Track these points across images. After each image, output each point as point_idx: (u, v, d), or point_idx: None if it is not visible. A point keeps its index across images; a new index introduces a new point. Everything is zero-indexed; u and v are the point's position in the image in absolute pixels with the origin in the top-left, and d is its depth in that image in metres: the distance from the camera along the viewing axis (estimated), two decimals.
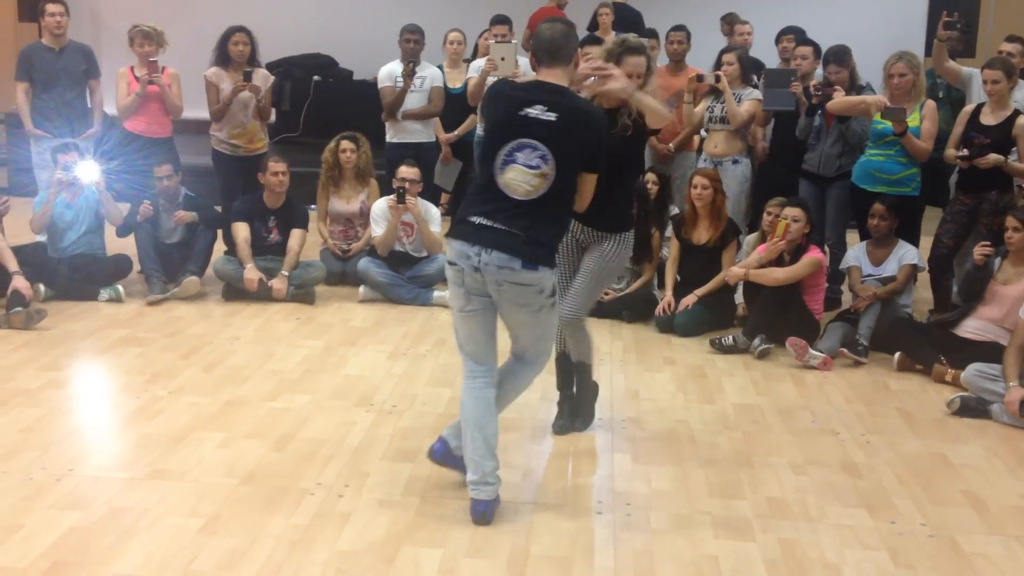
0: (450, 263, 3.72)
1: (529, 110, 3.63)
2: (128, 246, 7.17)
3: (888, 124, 6.34)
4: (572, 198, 3.78)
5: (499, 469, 3.78)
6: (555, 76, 3.74)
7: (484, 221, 3.63)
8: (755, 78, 7.52)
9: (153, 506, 3.80)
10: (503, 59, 7.42)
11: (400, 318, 6.58)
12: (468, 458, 3.76)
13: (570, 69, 3.78)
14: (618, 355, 5.96)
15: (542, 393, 5.18)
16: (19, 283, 6.18)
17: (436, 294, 6.95)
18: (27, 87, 7.65)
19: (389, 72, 7.94)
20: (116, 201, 7.15)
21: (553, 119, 3.61)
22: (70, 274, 6.76)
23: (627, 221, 4.40)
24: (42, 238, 7.04)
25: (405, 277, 7.03)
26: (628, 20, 8.99)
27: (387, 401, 5.02)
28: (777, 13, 9.26)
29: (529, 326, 3.82)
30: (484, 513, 3.73)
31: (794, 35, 7.76)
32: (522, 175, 3.60)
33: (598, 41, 8.09)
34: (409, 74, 7.78)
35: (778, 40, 7.98)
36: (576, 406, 4.74)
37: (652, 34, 8.23)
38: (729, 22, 9.27)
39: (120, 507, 3.79)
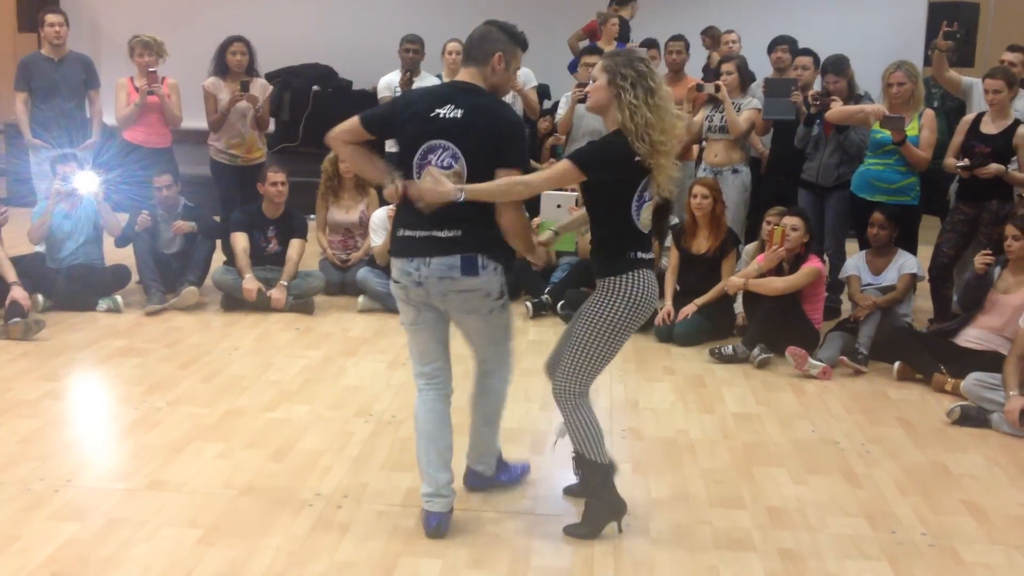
0: (393, 280, 3.68)
1: (440, 110, 3.54)
2: (127, 256, 7.17)
3: (887, 133, 6.35)
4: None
5: (453, 482, 3.75)
6: (469, 75, 3.64)
7: (416, 232, 3.56)
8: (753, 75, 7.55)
9: (151, 517, 3.79)
10: None
11: (399, 328, 6.49)
12: (422, 470, 3.72)
13: (486, 70, 3.62)
14: (618, 364, 5.94)
15: (541, 403, 5.18)
16: (17, 293, 6.17)
17: None
18: (26, 97, 7.66)
19: (388, 82, 7.95)
20: (115, 211, 7.15)
21: (459, 116, 3.52)
22: (68, 284, 6.75)
23: (612, 263, 3.60)
24: (40, 248, 7.04)
25: None
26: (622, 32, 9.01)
27: (386, 411, 5.00)
28: (774, 23, 9.25)
29: (483, 331, 3.78)
30: (439, 526, 3.69)
31: (788, 45, 7.76)
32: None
33: (599, 51, 8.16)
34: (407, 84, 7.79)
35: (771, 50, 7.98)
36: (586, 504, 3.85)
37: (652, 44, 8.24)
38: (711, 35, 9.28)
39: (118, 518, 3.78)
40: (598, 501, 3.75)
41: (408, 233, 3.58)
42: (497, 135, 3.53)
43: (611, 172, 3.51)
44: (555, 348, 3.90)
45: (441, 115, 3.53)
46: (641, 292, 3.56)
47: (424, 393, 3.77)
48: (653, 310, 3.74)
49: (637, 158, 3.45)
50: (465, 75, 3.66)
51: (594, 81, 3.57)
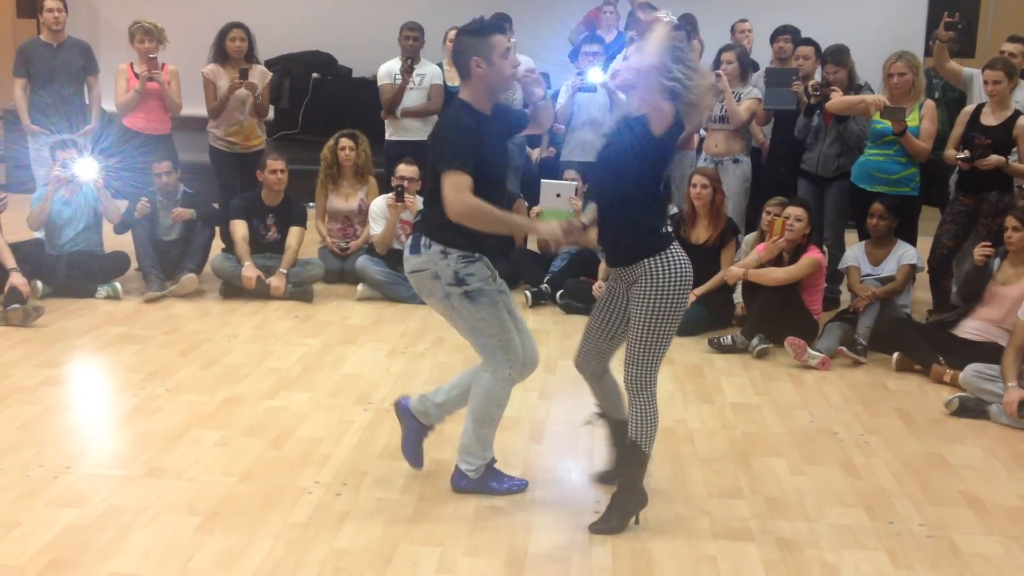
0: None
1: None
2: (126, 243, 7.16)
3: (887, 124, 6.34)
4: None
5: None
6: (464, 89, 3.75)
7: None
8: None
9: (150, 504, 3.79)
10: None
11: (398, 316, 6.57)
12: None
13: (474, 80, 3.68)
14: (617, 354, 5.93)
15: (540, 391, 5.18)
16: (16, 280, 6.17)
17: None
18: (25, 83, 7.64)
19: (388, 70, 7.93)
20: (114, 198, 7.14)
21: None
22: (68, 271, 6.75)
23: (643, 244, 3.65)
24: (40, 235, 7.03)
25: (404, 275, 7.00)
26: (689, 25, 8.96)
27: (385, 399, 5.00)
28: (775, 12, 9.22)
29: (453, 320, 3.83)
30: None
31: (790, 35, 7.75)
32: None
33: (599, 40, 8.14)
34: (407, 71, 7.78)
35: (774, 39, 7.96)
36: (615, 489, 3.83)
37: None
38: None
39: (117, 504, 3.78)
40: (631, 493, 3.73)
41: None
42: (433, 140, 3.77)
43: None
44: (584, 344, 3.96)
45: None
46: (673, 268, 3.64)
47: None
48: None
49: None
50: (462, 91, 3.75)
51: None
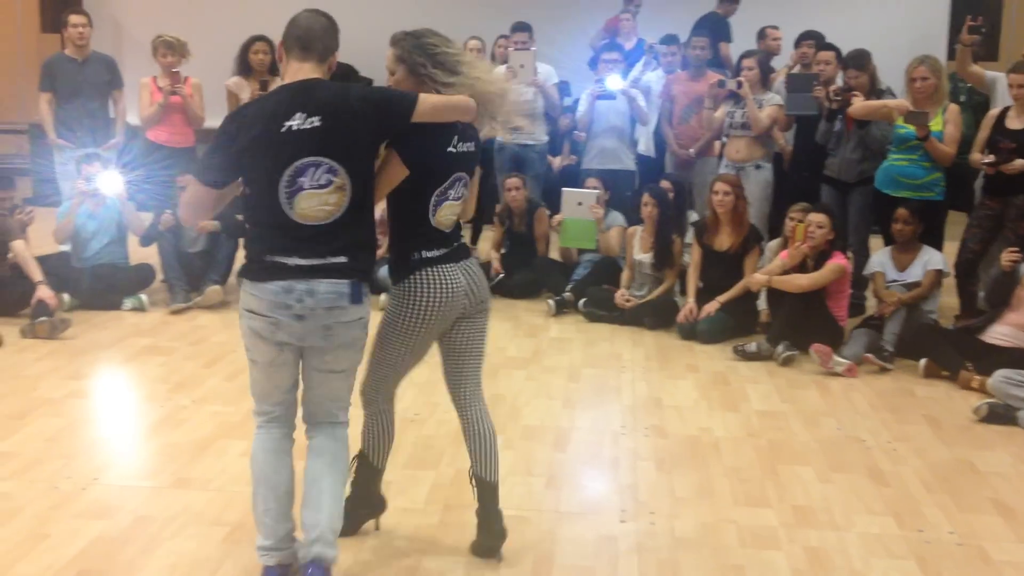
0: (255, 314, 3.06)
1: (289, 123, 2.99)
2: (151, 255, 7.21)
3: (911, 128, 6.30)
4: (372, 197, 3.18)
5: (295, 531, 3.28)
6: (304, 72, 3.10)
7: (299, 261, 3.02)
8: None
9: (178, 515, 3.81)
10: (522, 66, 7.48)
11: None
12: (258, 520, 3.25)
13: (323, 69, 3.15)
14: (640, 362, 5.94)
15: (564, 400, 5.18)
16: (44, 293, 6.22)
17: None
18: (50, 98, 7.71)
19: None
20: (138, 211, 7.19)
21: (317, 124, 2.99)
22: (94, 283, 6.80)
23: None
24: (66, 248, 7.09)
25: None
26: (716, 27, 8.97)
27: (409, 409, 5.00)
28: (797, 17, 9.19)
29: (350, 371, 3.27)
30: None
31: (813, 40, 7.72)
32: (316, 199, 3.00)
33: (619, 47, 8.14)
34: None
35: (797, 45, 7.95)
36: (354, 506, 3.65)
37: (672, 40, 8.21)
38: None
39: (145, 516, 3.80)
40: (361, 500, 3.65)
41: (291, 262, 3.02)
42: (375, 121, 3.12)
43: None
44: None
45: (294, 128, 3.02)
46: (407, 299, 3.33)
47: (265, 431, 3.27)
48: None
49: None
50: (297, 72, 3.16)
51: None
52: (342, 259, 3.04)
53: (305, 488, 3.24)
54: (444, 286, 3.31)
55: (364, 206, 3.11)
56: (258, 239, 3.08)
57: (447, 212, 3.34)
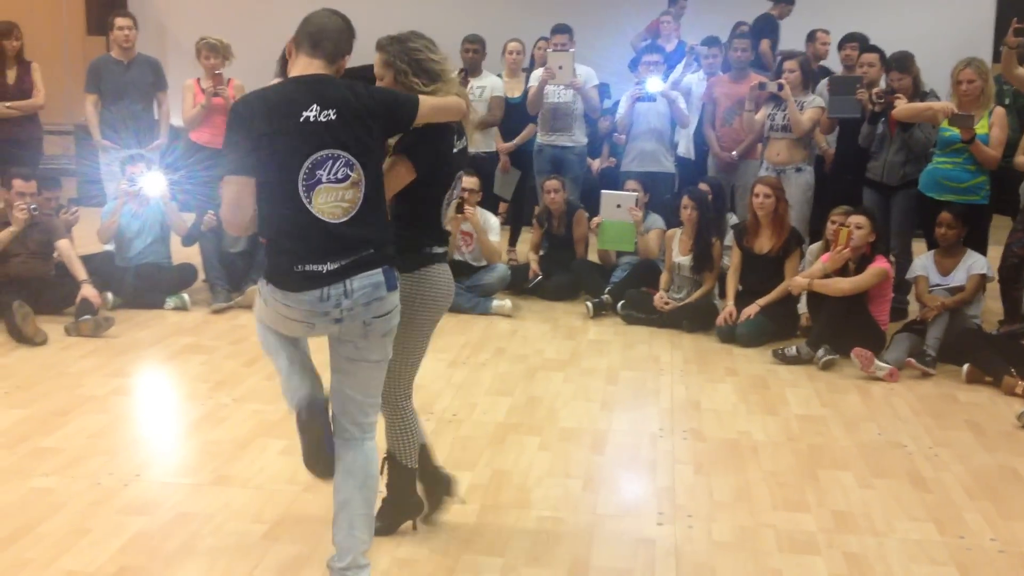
0: (287, 318, 3.04)
1: (307, 113, 2.96)
2: (193, 255, 7.29)
3: (956, 131, 6.23)
4: (382, 193, 3.16)
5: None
6: (313, 68, 3.08)
7: (330, 266, 2.96)
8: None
9: (217, 512, 3.85)
10: (560, 67, 7.48)
11: (459, 327, 6.60)
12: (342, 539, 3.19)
13: (331, 70, 3.13)
14: (679, 365, 5.92)
15: (602, 402, 5.17)
16: (88, 291, 6.31)
17: (495, 303, 6.96)
18: (96, 99, 7.81)
19: None
20: (181, 211, 7.27)
21: (333, 117, 2.97)
22: (137, 283, 6.88)
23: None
24: (110, 247, 7.19)
25: (464, 286, 7.05)
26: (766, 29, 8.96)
27: (447, 409, 5.02)
28: (841, 19, 9.12)
29: (382, 362, 3.19)
30: None
31: (857, 42, 7.66)
32: (333, 194, 2.97)
33: (659, 49, 8.12)
34: (462, 83, 7.81)
35: (841, 47, 7.89)
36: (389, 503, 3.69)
37: (713, 42, 8.17)
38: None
39: (185, 512, 3.84)
40: (397, 502, 3.66)
41: (320, 268, 2.96)
42: (386, 118, 3.15)
43: None
44: None
45: (311, 119, 3.00)
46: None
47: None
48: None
49: None
50: (307, 67, 3.14)
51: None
52: (370, 251, 3.01)
53: (336, 508, 3.20)
54: (448, 280, 3.49)
55: (377, 204, 3.09)
56: (281, 250, 3.01)
57: (450, 210, 3.49)
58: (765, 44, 8.77)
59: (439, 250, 3.46)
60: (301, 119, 2.94)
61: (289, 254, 2.98)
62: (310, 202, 2.95)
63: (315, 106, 2.96)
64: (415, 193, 3.33)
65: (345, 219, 2.98)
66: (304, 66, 3.09)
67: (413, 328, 3.42)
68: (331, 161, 2.96)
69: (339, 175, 2.97)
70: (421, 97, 3.20)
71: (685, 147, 8.22)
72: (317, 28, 3.12)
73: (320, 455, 3.17)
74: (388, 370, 3.34)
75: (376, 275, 3.01)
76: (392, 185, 3.25)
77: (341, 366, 3.17)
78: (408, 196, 3.33)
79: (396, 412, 3.55)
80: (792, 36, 9.23)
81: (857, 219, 6.05)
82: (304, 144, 2.94)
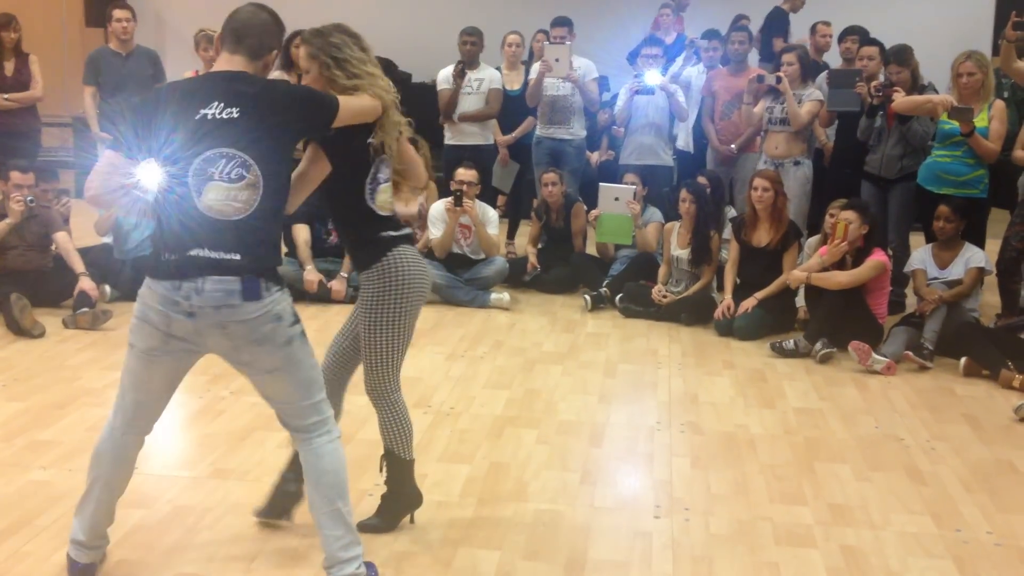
0: (146, 306, 3.02)
1: (205, 111, 2.93)
2: None
3: (955, 124, 6.23)
4: (285, 197, 3.12)
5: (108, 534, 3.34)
6: (232, 65, 3.06)
7: (198, 252, 2.91)
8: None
9: (215, 505, 3.85)
10: (557, 60, 7.48)
11: (457, 320, 6.60)
12: (86, 517, 3.27)
13: (257, 66, 3.10)
14: (677, 358, 5.92)
15: (600, 395, 5.18)
16: (85, 284, 6.31)
17: (494, 296, 6.98)
18: (94, 91, 7.80)
19: (446, 75, 7.99)
20: None
21: (236, 115, 2.93)
22: (135, 275, 6.84)
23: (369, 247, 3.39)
24: (108, 240, 7.18)
25: (463, 279, 7.06)
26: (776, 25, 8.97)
27: (445, 403, 5.03)
28: (840, 12, 9.13)
29: (287, 371, 3.06)
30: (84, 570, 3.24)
31: (858, 35, 7.66)
32: (224, 192, 2.91)
33: (659, 42, 8.11)
34: (459, 75, 7.82)
35: (841, 40, 7.88)
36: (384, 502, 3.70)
37: (714, 35, 8.17)
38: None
39: (183, 505, 3.84)
40: (397, 496, 3.65)
41: (192, 253, 2.92)
42: (295, 117, 3.11)
43: None
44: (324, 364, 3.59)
45: (209, 116, 3.00)
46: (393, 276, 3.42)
47: (120, 432, 3.28)
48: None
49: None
50: (227, 63, 3.15)
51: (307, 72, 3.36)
52: (236, 257, 2.91)
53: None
54: (416, 261, 3.43)
55: (274, 212, 3.01)
56: (161, 238, 3.02)
57: (384, 196, 3.40)
58: (779, 43, 8.76)
59: (394, 233, 3.40)
60: (198, 116, 2.92)
61: (164, 241, 2.99)
62: (199, 195, 2.92)
63: (218, 103, 2.93)
64: (337, 187, 3.34)
65: (236, 218, 2.92)
66: (224, 62, 3.08)
67: (392, 319, 3.40)
68: (224, 160, 2.92)
69: (232, 175, 2.92)
70: (341, 100, 3.15)
71: (684, 140, 8.22)
72: (241, 24, 3.10)
73: None
74: (374, 364, 3.41)
75: (232, 282, 2.90)
76: (307, 182, 3.28)
77: (252, 381, 3.16)
78: (332, 194, 3.36)
79: (387, 405, 3.54)
80: (794, 30, 9.24)
81: (846, 214, 6.05)
82: (196, 142, 2.92)
